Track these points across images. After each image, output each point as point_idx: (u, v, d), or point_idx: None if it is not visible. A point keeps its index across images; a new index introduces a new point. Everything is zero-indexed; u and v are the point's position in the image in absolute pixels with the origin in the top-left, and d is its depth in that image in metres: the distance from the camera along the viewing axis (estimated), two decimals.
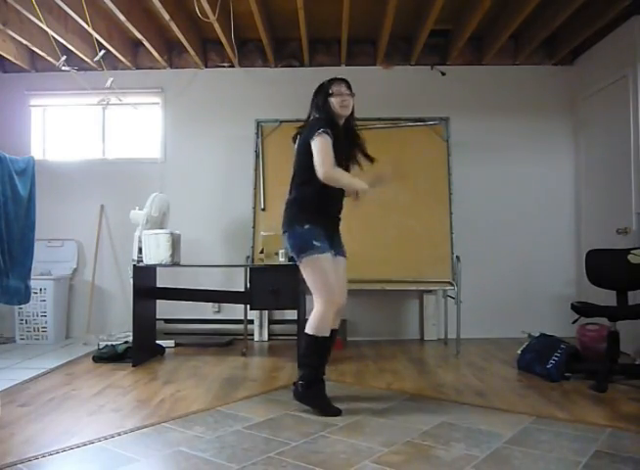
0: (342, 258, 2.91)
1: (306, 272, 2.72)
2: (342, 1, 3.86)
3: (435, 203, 4.53)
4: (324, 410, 2.68)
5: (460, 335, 4.26)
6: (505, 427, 2.47)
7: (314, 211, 2.76)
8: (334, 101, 2.77)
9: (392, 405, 2.84)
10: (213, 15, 3.94)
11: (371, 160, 2.93)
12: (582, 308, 3.43)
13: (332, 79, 2.84)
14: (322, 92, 2.82)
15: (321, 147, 2.65)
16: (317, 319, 2.68)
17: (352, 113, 2.87)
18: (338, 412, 2.66)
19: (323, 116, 2.77)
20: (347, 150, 2.86)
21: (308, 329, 2.70)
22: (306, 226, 2.72)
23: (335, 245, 2.85)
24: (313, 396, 2.74)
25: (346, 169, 2.85)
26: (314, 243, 2.68)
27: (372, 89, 4.93)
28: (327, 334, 2.71)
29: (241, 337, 4.53)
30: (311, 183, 2.73)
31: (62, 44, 4.39)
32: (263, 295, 3.93)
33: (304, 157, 2.73)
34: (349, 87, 2.83)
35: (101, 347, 4.10)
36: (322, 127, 2.67)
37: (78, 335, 4.91)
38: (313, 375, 2.75)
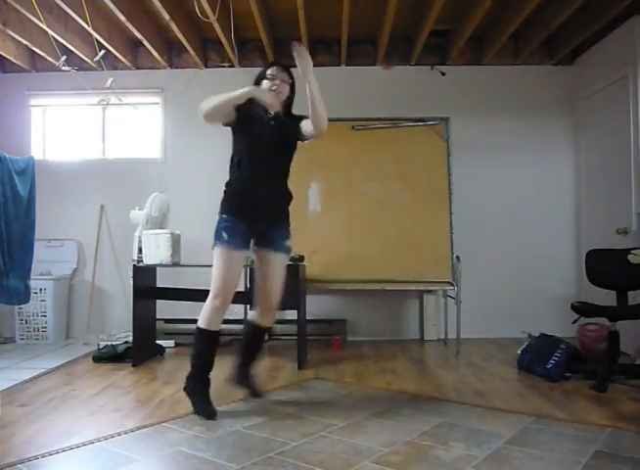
0: (280, 254, 2.77)
1: (213, 261, 2.68)
2: (342, 1, 3.86)
3: (435, 203, 4.53)
4: (197, 409, 2.63)
5: (460, 335, 4.26)
6: (505, 427, 2.47)
7: (234, 198, 2.68)
8: (264, 84, 2.69)
9: (392, 405, 2.84)
10: (213, 15, 3.94)
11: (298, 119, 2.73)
12: (582, 308, 3.43)
13: (271, 63, 2.78)
14: (258, 74, 2.76)
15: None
16: (202, 311, 2.68)
17: (290, 101, 2.76)
18: (211, 415, 2.58)
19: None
20: (278, 137, 2.70)
21: (198, 320, 2.69)
22: (223, 215, 2.68)
23: (268, 240, 2.73)
24: (191, 390, 2.70)
25: (281, 160, 2.75)
26: (223, 234, 2.62)
27: (372, 89, 4.94)
28: (212, 328, 2.65)
29: (241, 337, 4.52)
30: (232, 167, 2.73)
31: (62, 44, 4.39)
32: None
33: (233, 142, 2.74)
34: (290, 75, 2.72)
35: (101, 347, 4.10)
36: None
37: (78, 335, 4.91)
38: (195, 369, 2.69)
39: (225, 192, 2.73)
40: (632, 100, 3.97)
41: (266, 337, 2.92)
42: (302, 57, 2.49)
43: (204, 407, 2.64)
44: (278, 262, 2.76)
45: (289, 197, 2.83)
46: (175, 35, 4.40)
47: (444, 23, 4.52)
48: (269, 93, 2.64)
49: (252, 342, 2.92)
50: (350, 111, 4.68)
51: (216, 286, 2.65)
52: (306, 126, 2.68)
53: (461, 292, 4.32)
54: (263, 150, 2.69)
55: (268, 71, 2.70)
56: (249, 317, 2.84)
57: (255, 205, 2.67)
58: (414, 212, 4.51)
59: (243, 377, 2.91)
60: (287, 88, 2.72)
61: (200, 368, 2.70)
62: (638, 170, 3.94)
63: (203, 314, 2.68)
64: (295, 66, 2.55)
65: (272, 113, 2.72)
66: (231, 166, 2.75)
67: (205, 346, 2.70)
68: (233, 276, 2.67)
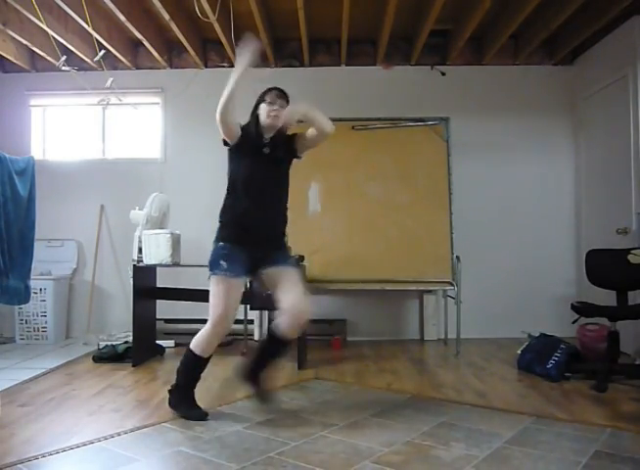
0: (289, 267, 2.72)
1: (210, 288, 2.65)
2: (342, 1, 3.85)
3: (435, 203, 4.53)
4: (187, 414, 2.63)
5: (460, 335, 4.26)
6: (505, 427, 2.47)
7: (231, 226, 2.68)
8: (261, 108, 2.68)
9: (392, 405, 2.84)
10: (213, 15, 3.94)
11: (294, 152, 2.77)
12: (582, 308, 3.43)
13: (272, 88, 2.74)
14: (257, 99, 2.74)
15: None
16: (200, 337, 2.62)
17: (286, 127, 2.71)
18: (202, 416, 2.60)
19: (249, 120, 2.72)
20: (273, 165, 2.71)
21: (192, 343, 2.64)
22: (220, 243, 2.67)
23: (270, 260, 2.68)
24: (176, 403, 2.69)
25: (277, 189, 2.74)
26: (221, 263, 2.60)
27: (372, 89, 4.94)
28: (205, 355, 2.62)
29: (241, 337, 4.53)
30: (229, 194, 2.72)
31: (62, 44, 4.39)
32: (263, 295, 3.92)
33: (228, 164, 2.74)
34: (287, 101, 2.71)
35: (101, 347, 4.10)
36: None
37: (78, 335, 4.90)
38: (180, 386, 2.69)
39: (221, 220, 2.72)
40: (632, 100, 3.97)
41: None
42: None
43: (192, 413, 2.63)
44: (290, 273, 2.70)
45: (285, 223, 2.81)
46: (175, 35, 4.40)
47: (444, 23, 4.52)
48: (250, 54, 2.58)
49: (270, 350, 2.77)
50: (350, 111, 4.68)
51: (217, 314, 2.59)
52: (310, 133, 2.71)
53: (461, 292, 4.32)
54: (259, 179, 2.67)
55: (267, 97, 2.69)
56: (274, 325, 2.69)
57: (253, 233, 2.65)
58: (414, 212, 4.51)
59: (251, 376, 2.78)
60: (283, 116, 2.68)
61: (186, 386, 2.70)
62: (638, 170, 3.94)
63: (200, 340, 2.62)
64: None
65: (267, 139, 2.70)
66: (227, 194, 2.73)
67: (196, 369, 2.68)
68: (233, 304, 2.63)
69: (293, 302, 2.60)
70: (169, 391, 2.73)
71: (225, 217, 2.71)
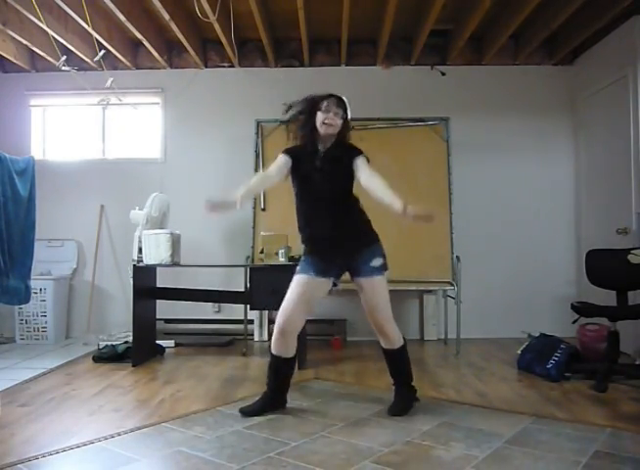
0: (367, 278, 2.64)
1: None
2: (342, 1, 3.86)
3: (435, 203, 4.51)
4: (251, 406, 2.71)
5: (460, 335, 4.26)
6: (505, 427, 2.47)
7: (304, 241, 2.75)
8: (318, 116, 2.62)
9: None
10: (213, 15, 3.94)
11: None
12: (582, 308, 3.43)
13: (327, 95, 2.65)
14: (310, 102, 2.66)
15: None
16: (273, 335, 2.68)
17: (343, 134, 2.68)
18: (247, 413, 2.65)
19: (301, 140, 2.71)
20: (328, 177, 2.64)
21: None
22: (302, 256, 2.76)
23: (355, 269, 2.66)
24: (264, 393, 2.75)
25: (333, 196, 2.66)
26: (298, 267, 2.71)
27: (372, 89, 4.94)
28: (275, 352, 2.66)
29: (241, 337, 4.53)
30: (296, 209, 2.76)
31: (62, 44, 4.39)
32: (263, 295, 3.92)
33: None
34: (343, 109, 2.64)
35: (101, 347, 4.10)
36: (284, 151, 2.70)
37: (78, 335, 4.91)
38: (268, 390, 2.74)
39: (299, 231, 2.78)
40: (632, 100, 3.97)
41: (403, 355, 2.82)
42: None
43: (252, 407, 2.70)
44: (369, 287, 2.65)
45: (359, 223, 2.73)
46: (175, 35, 4.40)
47: (444, 23, 4.52)
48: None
49: (388, 363, 2.82)
50: (350, 111, 4.66)
51: (280, 309, 2.65)
52: (361, 175, 2.64)
53: (461, 292, 4.32)
54: (314, 193, 2.67)
55: (323, 104, 2.62)
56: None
57: (321, 245, 2.69)
58: None
59: (395, 393, 2.80)
60: (339, 122, 2.64)
61: (272, 391, 2.74)
62: (638, 170, 3.94)
63: (273, 339, 2.69)
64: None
65: (322, 151, 2.67)
66: (296, 204, 2.77)
67: (276, 370, 2.73)
68: (296, 299, 2.62)
69: (370, 318, 2.69)
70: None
71: (300, 233, 2.77)
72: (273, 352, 2.69)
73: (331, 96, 2.66)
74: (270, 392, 2.73)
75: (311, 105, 2.65)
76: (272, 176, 2.67)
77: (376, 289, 2.66)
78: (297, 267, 2.70)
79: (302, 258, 2.73)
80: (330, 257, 2.67)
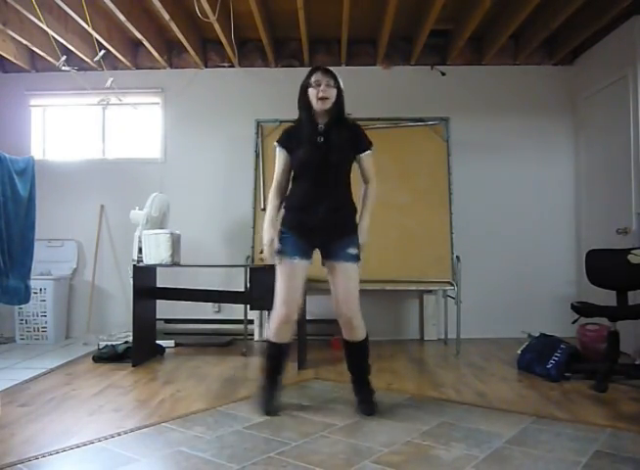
0: (343, 262, 2.61)
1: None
2: (342, 1, 3.85)
3: (435, 203, 4.52)
4: (258, 403, 2.72)
5: (460, 335, 4.26)
6: (505, 427, 2.47)
7: (289, 213, 2.68)
8: (310, 93, 2.57)
9: (392, 405, 2.84)
10: (213, 15, 3.94)
11: (367, 145, 2.71)
12: (582, 308, 3.43)
13: (312, 68, 2.63)
14: (303, 82, 2.64)
15: (276, 164, 2.70)
16: (269, 323, 2.68)
17: (340, 105, 2.63)
18: (267, 412, 2.66)
19: (299, 115, 2.67)
20: (328, 153, 2.59)
21: (268, 334, 2.72)
22: (281, 228, 2.67)
23: (330, 251, 2.65)
24: (261, 387, 2.79)
25: (334, 175, 2.63)
26: (280, 246, 2.62)
27: (372, 89, 4.94)
28: (275, 340, 2.67)
29: (241, 337, 4.53)
30: (292, 182, 2.74)
31: (62, 44, 4.39)
32: (263, 295, 3.91)
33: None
34: (333, 78, 2.58)
35: (101, 347, 4.10)
36: (276, 141, 2.70)
37: (78, 335, 4.91)
38: (264, 377, 2.79)
39: (284, 206, 2.73)
40: (632, 100, 3.97)
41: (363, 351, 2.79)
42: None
43: (264, 404, 2.70)
44: (341, 271, 2.61)
45: (349, 210, 2.71)
46: (175, 35, 4.39)
47: (444, 23, 4.52)
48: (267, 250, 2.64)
49: (348, 356, 2.80)
50: (350, 111, 4.59)
51: (278, 297, 2.62)
52: (363, 177, 2.76)
53: (461, 292, 4.32)
54: (313, 168, 2.62)
55: (312, 78, 2.58)
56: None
57: (309, 221, 2.62)
58: (414, 212, 4.50)
59: (357, 391, 2.80)
60: (334, 92, 2.58)
61: (270, 378, 2.76)
62: (638, 170, 3.94)
63: (270, 328, 2.68)
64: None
65: (322, 126, 2.63)
66: (291, 181, 2.75)
67: (272, 356, 2.75)
68: (293, 285, 2.60)
69: (337, 304, 2.63)
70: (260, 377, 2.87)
71: (286, 204, 2.72)
72: (275, 340, 2.67)
73: (316, 69, 2.62)
74: (270, 379, 2.74)
75: (302, 84, 2.64)
76: (284, 184, 2.72)
77: (350, 274, 2.63)
78: (279, 247, 2.61)
79: (284, 235, 2.64)
80: (312, 237, 2.64)
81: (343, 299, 2.62)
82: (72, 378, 3.48)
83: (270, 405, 2.70)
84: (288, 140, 2.69)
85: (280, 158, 2.70)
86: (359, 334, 2.71)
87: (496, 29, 4.54)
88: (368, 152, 2.72)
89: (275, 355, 2.74)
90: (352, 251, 2.64)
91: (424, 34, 4.43)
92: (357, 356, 2.79)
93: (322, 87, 2.55)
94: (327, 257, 2.67)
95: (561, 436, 2.36)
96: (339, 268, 2.62)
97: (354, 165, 2.73)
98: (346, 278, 2.62)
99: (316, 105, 2.58)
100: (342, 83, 2.64)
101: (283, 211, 2.73)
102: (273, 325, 2.66)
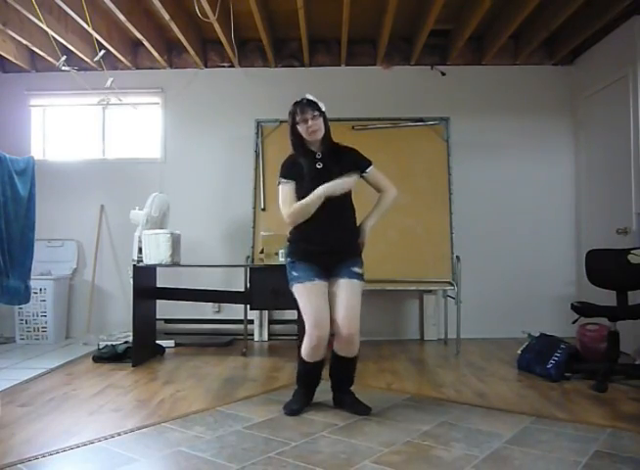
0: (345, 279, 2.67)
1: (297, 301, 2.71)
2: (342, 1, 3.85)
3: (435, 203, 4.53)
4: (288, 403, 2.77)
5: (460, 335, 4.26)
6: (505, 427, 2.47)
7: (294, 244, 2.76)
8: (301, 129, 2.67)
9: (392, 405, 2.85)
10: (213, 15, 3.94)
11: (367, 165, 2.79)
12: (582, 308, 3.43)
13: (295, 104, 2.69)
14: (289, 120, 2.71)
15: (281, 198, 2.72)
16: (303, 344, 2.68)
17: (327, 133, 2.73)
18: (291, 412, 2.69)
19: (294, 151, 2.75)
20: (335, 172, 2.69)
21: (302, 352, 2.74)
22: (288, 258, 2.78)
23: (334, 271, 2.70)
24: (295, 390, 2.85)
25: (338, 200, 2.68)
26: (292, 273, 2.71)
27: (372, 89, 4.94)
28: (310, 360, 2.68)
29: (241, 337, 4.53)
30: None
31: (62, 44, 4.39)
32: (263, 295, 3.93)
33: None
34: (316, 108, 2.65)
35: (101, 347, 4.10)
36: (280, 176, 2.73)
37: (78, 335, 4.90)
38: (299, 385, 2.84)
39: (289, 238, 2.80)
40: (632, 100, 3.97)
41: (350, 367, 2.79)
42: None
43: (291, 404, 2.75)
44: (346, 287, 2.65)
45: (355, 234, 2.78)
46: (175, 35, 4.39)
47: (444, 23, 4.52)
48: (343, 182, 2.66)
49: (337, 369, 2.81)
50: (350, 111, 4.68)
51: (308, 321, 2.61)
52: (381, 186, 2.86)
53: (461, 292, 4.32)
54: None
55: (297, 117, 2.65)
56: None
57: (316, 250, 2.69)
58: (414, 212, 4.50)
59: (337, 400, 2.83)
60: (320, 121, 2.66)
61: (305, 384, 2.84)
62: (638, 170, 3.94)
63: (304, 349, 2.69)
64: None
65: (319, 153, 2.72)
66: None
67: (307, 374, 2.80)
68: (319, 305, 2.61)
69: (335, 320, 2.62)
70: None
71: (291, 236, 2.79)
72: (310, 360, 2.68)
73: (297, 104, 2.69)
74: (305, 389, 2.83)
75: (290, 124, 2.71)
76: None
77: (355, 290, 2.67)
78: (294, 275, 2.69)
79: (295, 265, 2.71)
80: (321, 262, 2.69)
81: (348, 315, 2.61)
82: (72, 378, 3.48)
83: (297, 408, 2.72)
84: (290, 172, 2.73)
85: (287, 190, 2.71)
86: (355, 350, 2.72)
87: (496, 29, 4.54)
88: (371, 167, 2.79)
89: (310, 373, 2.78)
90: (357, 270, 2.72)
91: (424, 34, 4.43)
92: (348, 370, 2.81)
93: (309, 123, 2.64)
94: (333, 275, 2.71)
95: (561, 436, 2.37)
96: (344, 284, 2.66)
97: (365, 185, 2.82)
98: (351, 293, 2.65)
99: (309, 137, 2.68)
100: (322, 106, 2.70)
101: (287, 243, 2.80)
102: (307, 347, 2.65)
